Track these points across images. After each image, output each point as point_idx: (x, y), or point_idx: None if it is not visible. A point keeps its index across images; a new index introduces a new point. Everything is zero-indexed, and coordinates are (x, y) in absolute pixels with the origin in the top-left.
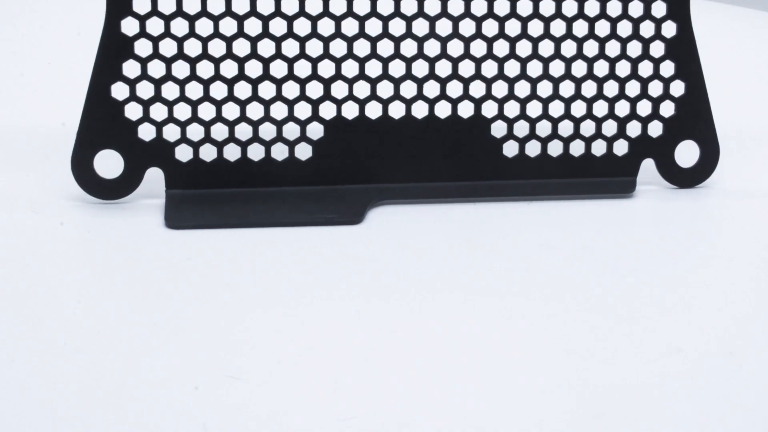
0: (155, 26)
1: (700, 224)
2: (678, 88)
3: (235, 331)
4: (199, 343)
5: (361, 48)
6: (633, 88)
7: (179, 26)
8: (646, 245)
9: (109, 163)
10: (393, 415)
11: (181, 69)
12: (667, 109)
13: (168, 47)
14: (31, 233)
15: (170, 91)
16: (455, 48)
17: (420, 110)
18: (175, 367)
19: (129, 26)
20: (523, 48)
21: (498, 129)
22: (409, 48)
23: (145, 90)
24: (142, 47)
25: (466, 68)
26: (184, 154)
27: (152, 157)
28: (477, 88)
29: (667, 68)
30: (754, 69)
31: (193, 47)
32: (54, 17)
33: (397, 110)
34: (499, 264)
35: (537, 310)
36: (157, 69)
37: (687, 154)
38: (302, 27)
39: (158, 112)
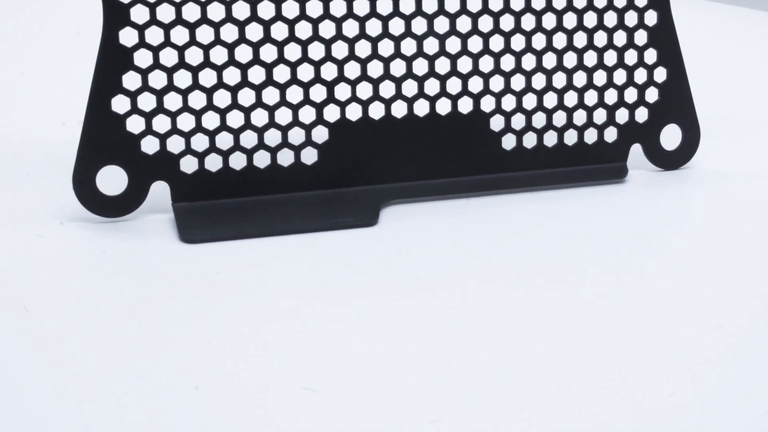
0: (155, 36)
1: (697, 205)
2: (661, 75)
3: (294, 342)
4: (262, 357)
5: (363, 49)
6: (620, 77)
7: (179, 35)
8: (658, 228)
9: (111, 179)
10: (477, 414)
11: (182, 78)
12: (652, 95)
13: (169, 57)
14: (41, 260)
15: (172, 101)
16: (453, 45)
17: (421, 108)
18: (251, 384)
19: (128, 37)
20: (518, 42)
21: (496, 123)
22: (409, 47)
23: (146, 102)
24: (142, 58)
25: (464, 64)
26: (189, 165)
27: (157, 171)
28: (475, 84)
29: (650, 56)
30: (738, 62)
31: (194, 56)
32: (54, 17)
33: (399, 109)
34: (524, 256)
35: (577, 299)
36: (158, 80)
37: (670, 137)
38: (304, 30)
39: (161, 123)
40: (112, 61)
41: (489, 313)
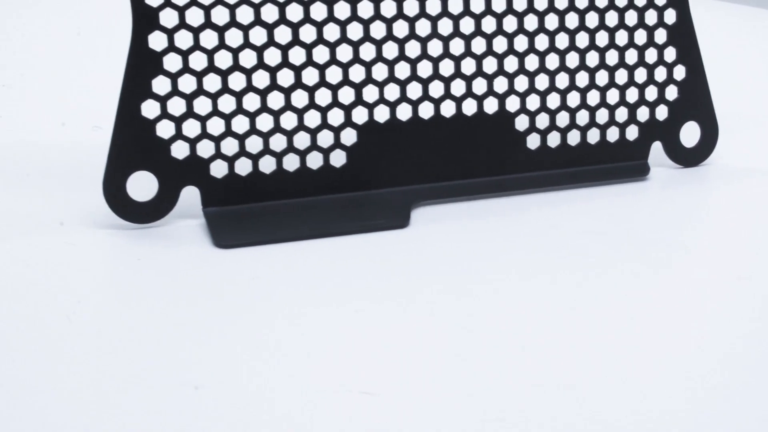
0: (184, 40)
1: (720, 202)
2: (680, 72)
3: (347, 345)
4: (317, 361)
5: (390, 51)
6: (641, 75)
7: (209, 38)
8: (685, 226)
9: (141, 185)
10: (534, 412)
11: (212, 82)
12: (672, 93)
13: (198, 61)
14: (76, 268)
15: (202, 106)
16: (479, 45)
17: (448, 109)
18: (310, 388)
19: (157, 41)
20: (541, 42)
21: (521, 122)
22: (435, 48)
23: (176, 106)
24: (172, 62)
25: (490, 65)
26: (219, 170)
27: (187, 176)
28: (500, 84)
29: (670, 54)
30: (754, 61)
31: (223, 59)
32: (54, 17)
33: (426, 110)
34: (557, 254)
35: (613, 297)
36: (187, 84)
37: (689, 135)
38: (332, 32)
39: (191, 128)
40: (142, 66)
41: (529, 311)
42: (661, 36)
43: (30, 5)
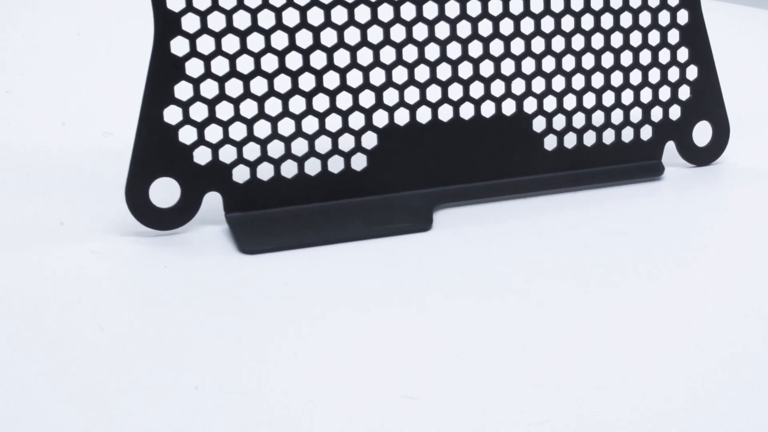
0: (206, 45)
1: (736, 201)
2: (692, 73)
3: (385, 348)
4: (358, 365)
5: (410, 54)
6: (654, 75)
7: (230, 43)
8: (704, 226)
9: (163, 191)
10: (586, 416)
11: (234, 87)
12: (684, 93)
13: (220, 65)
14: (103, 277)
15: (224, 111)
16: (497, 48)
17: (467, 111)
18: (352, 393)
19: (179, 46)
20: (557, 43)
21: (538, 124)
22: (455, 51)
23: (198, 112)
24: (194, 67)
25: (507, 67)
26: (241, 175)
27: (209, 181)
28: (518, 86)
29: (683, 54)
30: (756, 61)
31: (245, 64)
32: (54, 17)
33: (445, 113)
34: (584, 255)
35: (646, 296)
36: (210, 89)
37: (701, 134)
38: (352, 36)
39: (213, 133)
40: (164, 72)
41: (563, 312)
42: (674, 36)
43: (30, 5)
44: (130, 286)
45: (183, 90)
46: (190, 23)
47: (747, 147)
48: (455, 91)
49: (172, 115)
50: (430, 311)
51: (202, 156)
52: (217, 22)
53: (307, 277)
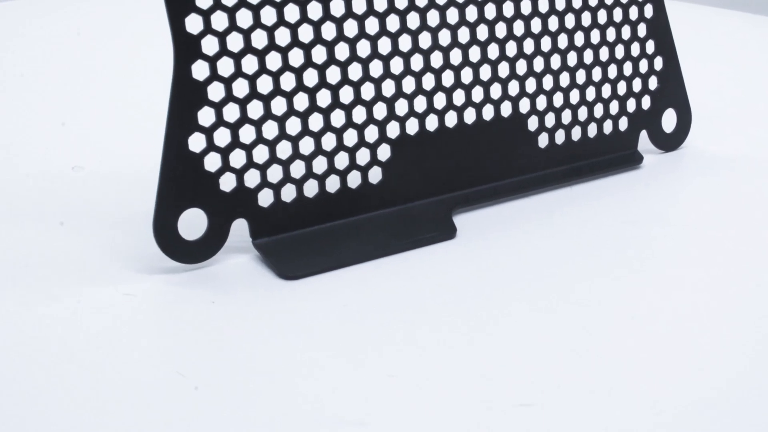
0: (226, 67)
1: (713, 184)
2: (659, 63)
3: (482, 358)
4: (466, 378)
5: (417, 63)
6: (627, 68)
7: (250, 63)
8: (706, 209)
9: (190, 223)
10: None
11: (255, 109)
12: (653, 83)
13: (240, 88)
14: (156, 321)
15: (246, 134)
16: (493, 52)
17: (470, 116)
18: (471, 401)
19: (200, 70)
20: (545, 43)
21: (532, 123)
22: (456, 57)
23: (222, 137)
24: (215, 91)
25: (503, 70)
26: (265, 199)
27: (236, 208)
28: (513, 87)
29: (650, 46)
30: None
31: (265, 84)
32: (54, 17)
33: (451, 119)
34: (611, 246)
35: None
36: (231, 113)
37: (666, 121)
38: (364, 49)
39: (237, 158)
40: (186, 98)
41: (631, 310)
42: (642, 30)
43: (30, 5)
44: (188, 327)
45: (205, 116)
46: (209, 46)
47: (704, 131)
48: (459, 97)
49: (196, 142)
50: (509, 318)
51: (227, 183)
52: (235, 42)
53: (361, 297)
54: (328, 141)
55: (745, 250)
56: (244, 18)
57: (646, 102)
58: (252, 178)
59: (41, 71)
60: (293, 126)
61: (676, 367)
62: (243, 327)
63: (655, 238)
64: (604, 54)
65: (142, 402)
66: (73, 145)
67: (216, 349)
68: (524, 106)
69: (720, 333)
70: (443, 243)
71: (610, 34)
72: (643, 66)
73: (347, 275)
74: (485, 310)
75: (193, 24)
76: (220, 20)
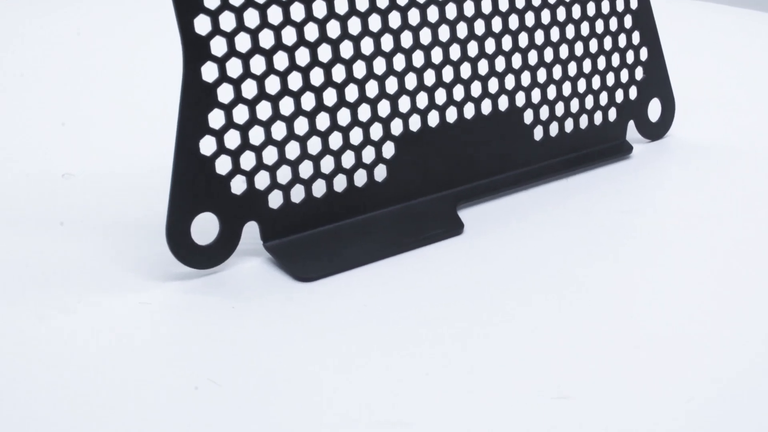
0: (235, 68)
1: (700, 171)
2: (644, 54)
3: (522, 353)
4: (500, 372)
5: (418, 59)
6: (615, 59)
7: (258, 64)
8: (698, 197)
9: (202, 227)
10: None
11: (264, 110)
12: (639, 73)
13: (249, 88)
14: (178, 331)
15: (256, 136)
16: (490, 46)
17: (468, 111)
18: (508, 391)
19: (209, 72)
20: (538, 37)
21: (527, 116)
22: (455, 53)
23: (232, 139)
24: (225, 93)
25: (500, 64)
26: (275, 201)
27: (247, 211)
28: (509, 81)
29: (635, 37)
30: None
31: (273, 84)
32: (54, 17)
33: (451, 114)
34: (612, 237)
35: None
36: (241, 114)
37: (651, 111)
38: (367, 47)
39: (247, 160)
40: (197, 100)
41: (646, 298)
42: (628, 21)
43: (30, 5)
44: (213, 334)
45: (216, 118)
46: (218, 47)
47: (690, 122)
48: (458, 92)
49: (207, 145)
50: (531, 308)
51: (238, 185)
52: (243, 43)
53: (380, 296)
54: (335, 140)
55: (740, 235)
56: (251, 18)
57: (633, 92)
58: (262, 180)
59: (41, 71)
60: (301, 126)
61: (703, 355)
62: (269, 331)
63: (656, 227)
64: (593, 46)
65: (179, 410)
66: (73, 146)
67: (245, 356)
68: (520, 99)
69: (739, 315)
70: (451, 239)
71: (599, 26)
72: (630, 57)
73: (362, 275)
74: (507, 303)
75: (202, 25)
76: (227, 21)
